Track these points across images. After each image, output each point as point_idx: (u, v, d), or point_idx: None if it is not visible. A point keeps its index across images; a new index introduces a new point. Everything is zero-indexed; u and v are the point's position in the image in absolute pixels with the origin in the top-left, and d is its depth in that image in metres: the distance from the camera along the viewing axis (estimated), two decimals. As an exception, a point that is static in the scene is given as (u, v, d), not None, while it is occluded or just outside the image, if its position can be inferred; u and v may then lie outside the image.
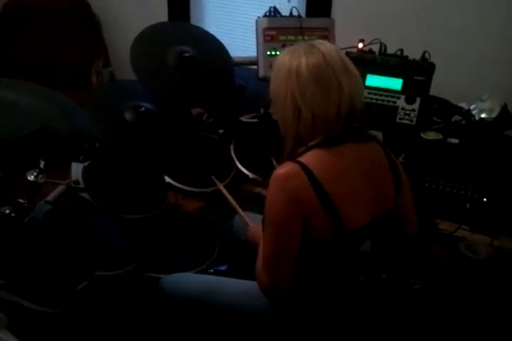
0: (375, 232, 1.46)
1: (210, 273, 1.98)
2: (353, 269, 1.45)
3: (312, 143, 1.37)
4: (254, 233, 1.68)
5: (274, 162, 2.16)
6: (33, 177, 1.69)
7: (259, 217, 1.82)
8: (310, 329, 1.47)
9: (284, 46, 2.34)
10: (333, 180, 1.33)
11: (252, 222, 1.78)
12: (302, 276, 1.41)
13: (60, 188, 1.95)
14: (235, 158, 2.33)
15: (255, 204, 2.12)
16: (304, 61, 1.34)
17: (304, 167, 1.31)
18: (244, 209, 2.00)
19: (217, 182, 2.10)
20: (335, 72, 1.34)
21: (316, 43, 1.40)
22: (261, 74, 2.36)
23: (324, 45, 1.39)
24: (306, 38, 2.37)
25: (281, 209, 1.32)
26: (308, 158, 1.34)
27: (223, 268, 2.08)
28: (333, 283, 1.45)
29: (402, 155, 2.17)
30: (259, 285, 1.43)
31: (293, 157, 1.36)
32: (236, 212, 1.88)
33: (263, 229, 1.41)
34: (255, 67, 2.40)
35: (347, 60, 1.39)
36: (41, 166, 1.70)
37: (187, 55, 2.24)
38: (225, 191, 1.97)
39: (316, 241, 1.36)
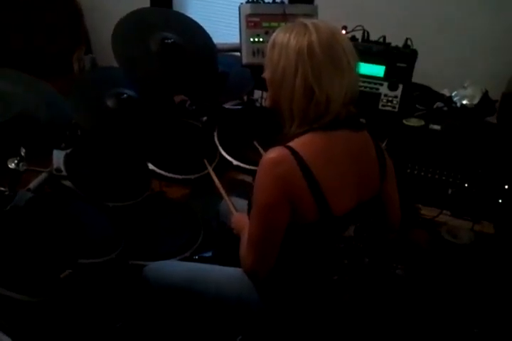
0: (359, 218, 1.47)
1: (195, 260, 1.99)
2: (337, 253, 1.47)
3: (316, 125, 1.34)
4: (238, 222, 1.67)
5: (258, 146, 2.16)
6: (13, 164, 1.67)
7: (245, 203, 1.84)
8: (296, 313, 1.48)
9: (267, 33, 2.33)
10: (323, 165, 1.33)
11: (235, 210, 1.77)
12: (287, 260, 1.42)
13: (42, 176, 1.94)
14: (218, 145, 2.32)
15: (239, 191, 2.13)
16: (315, 39, 1.29)
17: (294, 152, 1.30)
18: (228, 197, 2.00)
19: (208, 167, 2.10)
20: (345, 51, 1.32)
21: (318, 21, 1.35)
22: (244, 60, 2.34)
23: (326, 23, 1.34)
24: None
25: (270, 192, 1.31)
26: (299, 142, 1.33)
27: (208, 254, 2.09)
28: (317, 267, 1.47)
29: (385, 142, 2.18)
30: (242, 267, 1.44)
31: (284, 141, 1.34)
32: (222, 198, 1.88)
33: (250, 210, 1.41)
34: (238, 53, 2.39)
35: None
36: (22, 154, 1.68)
37: (169, 41, 2.21)
38: (214, 176, 1.97)
39: (302, 226, 1.36)
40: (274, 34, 1.37)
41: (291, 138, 1.35)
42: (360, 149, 1.44)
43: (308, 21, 1.34)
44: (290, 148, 1.31)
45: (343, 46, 1.32)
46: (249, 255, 1.39)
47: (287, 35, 1.33)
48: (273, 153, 1.32)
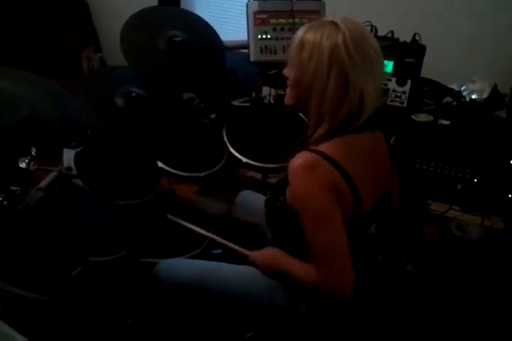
0: (379, 215, 1.47)
1: (205, 257, 1.99)
2: (359, 252, 1.46)
3: (342, 130, 1.33)
4: (265, 259, 1.53)
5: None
6: (24, 164, 1.68)
7: (258, 195, 1.89)
8: (313, 316, 1.48)
9: (275, 30, 2.33)
10: (351, 165, 1.32)
11: (248, 252, 1.62)
12: None
13: (53, 175, 1.95)
14: (227, 143, 2.32)
15: (248, 188, 2.14)
16: (348, 38, 1.26)
17: (322, 154, 1.29)
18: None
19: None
20: (375, 50, 1.31)
21: (346, 20, 1.31)
22: (252, 58, 2.35)
23: (354, 22, 1.32)
24: (296, 21, 2.36)
25: (320, 194, 1.27)
26: (324, 145, 1.32)
27: (218, 251, 2.10)
28: None
29: (393, 138, 2.18)
30: (324, 291, 1.33)
31: (305, 146, 1.33)
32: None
33: (297, 223, 1.34)
34: (246, 50, 2.39)
35: None
36: (33, 153, 1.69)
37: (177, 39, 2.22)
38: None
39: None
40: (300, 33, 1.34)
41: (312, 144, 1.33)
42: (377, 147, 1.46)
43: (337, 20, 1.31)
44: (316, 151, 1.30)
45: (374, 46, 1.31)
46: (326, 273, 1.30)
47: (319, 34, 1.30)
48: (301, 158, 1.29)
